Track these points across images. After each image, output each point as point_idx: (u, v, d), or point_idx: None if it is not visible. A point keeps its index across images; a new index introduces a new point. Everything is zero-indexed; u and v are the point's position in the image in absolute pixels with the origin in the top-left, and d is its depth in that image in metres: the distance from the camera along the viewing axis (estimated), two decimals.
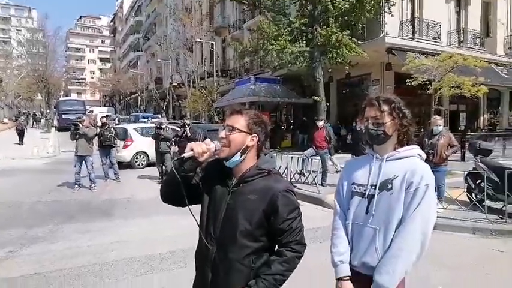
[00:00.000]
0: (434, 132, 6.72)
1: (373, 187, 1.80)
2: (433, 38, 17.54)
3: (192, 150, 1.57)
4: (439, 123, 6.71)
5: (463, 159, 12.72)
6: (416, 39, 16.71)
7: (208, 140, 1.62)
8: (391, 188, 1.75)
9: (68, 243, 5.30)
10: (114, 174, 10.49)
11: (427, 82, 12.70)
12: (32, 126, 33.35)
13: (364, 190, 1.84)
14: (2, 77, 43.24)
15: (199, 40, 30.55)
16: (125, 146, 12.85)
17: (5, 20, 77.81)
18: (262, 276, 1.59)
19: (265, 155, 1.76)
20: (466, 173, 6.91)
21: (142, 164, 13.02)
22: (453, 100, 16.90)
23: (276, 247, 1.68)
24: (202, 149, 1.57)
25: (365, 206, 1.82)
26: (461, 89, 12.54)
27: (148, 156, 12.95)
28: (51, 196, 8.48)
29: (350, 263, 1.84)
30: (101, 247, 5.13)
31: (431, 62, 12.83)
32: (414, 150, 1.84)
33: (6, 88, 44.47)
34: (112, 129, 10.51)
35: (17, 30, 66.94)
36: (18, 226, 6.03)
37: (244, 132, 1.66)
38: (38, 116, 39.11)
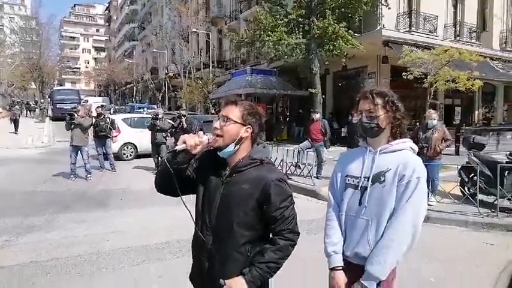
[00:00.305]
0: (428, 126, 6.77)
1: (366, 179, 1.84)
2: (430, 32, 17.56)
3: (184, 143, 1.59)
4: (433, 117, 6.76)
5: (457, 153, 12.83)
6: (412, 32, 16.73)
7: (201, 133, 1.64)
8: (384, 180, 1.79)
9: (64, 233, 5.32)
10: (110, 164, 10.48)
11: (423, 76, 12.74)
12: (26, 116, 33.08)
13: (358, 182, 1.87)
14: None
15: (195, 30, 30.33)
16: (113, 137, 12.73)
17: None
18: (256, 264, 1.62)
19: (258, 145, 1.77)
20: (459, 166, 6.98)
21: (130, 156, 12.83)
22: (448, 94, 16.98)
23: (270, 235, 1.71)
24: (195, 141, 1.58)
25: (358, 197, 1.86)
26: (456, 83, 12.59)
27: (136, 147, 12.83)
28: (47, 186, 8.48)
29: (343, 254, 1.89)
30: (97, 237, 5.16)
31: (427, 55, 12.86)
32: (406, 143, 1.88)
33: None
34: (107, 119, 10.46)
35: (10, 17, 65.88)
36: (13, 215, 6.04)
37: (239, 123, 1.68)
38: (32, 105, 38.76)
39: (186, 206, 1.70)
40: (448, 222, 5.94)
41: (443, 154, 7.15)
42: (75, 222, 5.82)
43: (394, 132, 1.87)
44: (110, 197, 7.64)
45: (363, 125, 1.86)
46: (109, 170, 10.39)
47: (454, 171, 7.31)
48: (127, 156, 12.78)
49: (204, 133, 1.64)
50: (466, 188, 6.74)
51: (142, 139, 11.90)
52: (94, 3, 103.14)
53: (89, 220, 5.97)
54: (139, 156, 12.69)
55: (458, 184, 6.83)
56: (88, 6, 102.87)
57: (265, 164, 1.72)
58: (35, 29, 54.73)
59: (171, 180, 1.62)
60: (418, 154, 5.96)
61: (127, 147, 12.86)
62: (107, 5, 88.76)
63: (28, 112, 36.55)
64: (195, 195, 1.80)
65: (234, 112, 1.69)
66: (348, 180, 1.93)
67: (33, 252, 4.56)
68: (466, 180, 6.84)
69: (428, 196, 6.61)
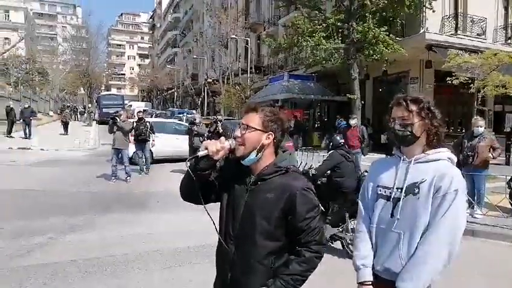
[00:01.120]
0: (475, 133, 6.42)
1: (399, 190, 1.74)
2: (478, 35, 16.66)
3: (206, 148, 1.57)
4: (479, 125, 6.39)
5: (507, 163, 12.06)
6: (458, 36, 15.95)
7: (222, 138, 1.61)
8: (418, 192, 1.68)
9: (102, 233, 5.54)
10: (146, 167, 10.75)
11: (470, 81, 12.12)
12: (75, 120, 34.95)
13: (390, 193, 1.78)
14: (49, 72, 45.64)
15: (234, 37, 30.77)
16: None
17: (52, 17, 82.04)
18: (280, 275, 1.57)
19: (284, 152, 1.73)
20: (509, 177, 6.54)
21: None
22: (498, 100, 16.02)
23: (296, 247, 1.65)
24: (216, 147, 1.56)
25: (390, 209, 1.76)
26: (506, 89, 11.86)
27: (151, 152, 11.79)
28: (90, 187, 8.87)
29: (373, 268, 1.79)
30: (133, 238, 5.32)
31: (474, 59, 12.23)
32: (444, 153, 1.75)
33: (52, 82, 46.88)
34: (147, 123, 10.78)
35: (62, 26, 70.37)
36: (58, 214, 6.37)
37: (260, 130, 1.63)
38: (79, 109, 40.92)
39: (209, 214, 1.67)
40: (495, 236, 5.58)
41: (491, 164, 6.73)
42: (114, 223, 6.04)
43: (430, 141, 1.75)
44: (148, 199, 7.86)
45: (396, 132, 1.76)
46: (146, 173, 10.67)
47: (502, 182, 6.85)
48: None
49: (226, 138, 1.62)
50: None
51: (159, 144, 11.55)
52: (139, 11, 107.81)
53: (126, 221, 6.17)
54: (157, 161, 12.12)
55: (507, 196, 6.39)
56: (134, 14, 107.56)
57: (291, 172, 1.66)
58: (85, 38, 58.02)
59: (194, 188, 1.61)
60: (464, 163, 5.63)
61: None
62: (152, 13, 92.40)
63: (76, 116, 38.62)
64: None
65: (255, 119, 1.65)
66: (380, 190, 1.83)
67: (74, 250, 4.77)
68: None
69: (474, 208, 6.28)
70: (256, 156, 1.64)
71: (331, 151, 5.37)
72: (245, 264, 1.62)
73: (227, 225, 1.70)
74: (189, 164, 1.62)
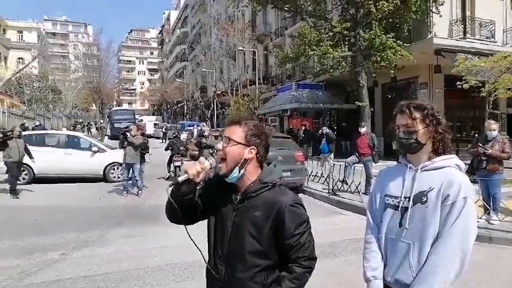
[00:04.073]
0: (488, 137, 6.30)
1: (407, 199, 1.71)
2: (487, 38, 16.52)
3: (186, 172, 1.53)
4: (493, 128, 6.29)
5: None
6: (467, 39, 15.83)
7: (202, 158, 1.58)
8: (426, 200, 1.65)
9: (115, 247, 5.56)
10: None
11: (480, 84, 11.97)
12: (88, 135, 35.42)
13: (398, 202, 1.74)
14: (61, 89, 46.58)
15: (241, 48, 31.05)
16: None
17: (64, 36, 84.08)
18: None
19: (268, 164, 1.68)
20: None
21: (24, 179, 10.85)
22: (511, 103, 15.78)
23: (286, 263, 1.61)
24: (196, 169, 1.52)
25: (398, 219, 1.73)
26: None
27: (32, 169, 10.99)
28: (102, 202, 8.95)
29: (383, 279, 1.76)
30: (145, 252, 5.33)
31: (484, 62, 12.09)
32: (451, 160, 1.72)
33: (64, 99, 47.79)
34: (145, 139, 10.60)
35: (74, 45, 71.97)
36: (70, 230, 6.42)
37: (242, 144, 1.60)
38: (89, 125, 41.42)
39: (190, 237, 1.62)
40: None
41: (506, 168, 6.58)
42: (126, 237, 6.06)
43: (436, 148, 1.72)
44: (159, 212, 7.79)
45: (400, 140, 1.73)
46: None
47: None
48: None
49: (205, 158, 1.59)
50: None
51: (40, 160, 10.30)
52: (148, 27, 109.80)
53: (138, 235, 6.19)
54: (37, 180, 10.97)
55: None
56: (143, 30, 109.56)
57: (278, 186, 1.62)
58: (96, 55, 59.20)
59: (178, 213, 1.58)
60: (477, 168, 5.52)
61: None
62: (160, 28, 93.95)
63: (90, 132, 39.17)
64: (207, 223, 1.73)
65: (237, 133, 1.61)
66: (388, 200, 1.80)
67: (86, 266, 4.79)
68: None
69: (490, 214, 6.13)
70: (239, 173, 1.60)
71: None
72: (236, 284, 1.58)
73: (216, 245, 1.67)
74: (170, 192, 1.58)
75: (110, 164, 11.91)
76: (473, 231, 1.60)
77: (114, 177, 11.84)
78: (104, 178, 11.78)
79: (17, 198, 9.05)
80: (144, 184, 10.28)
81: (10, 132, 9.29)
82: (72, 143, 12.57)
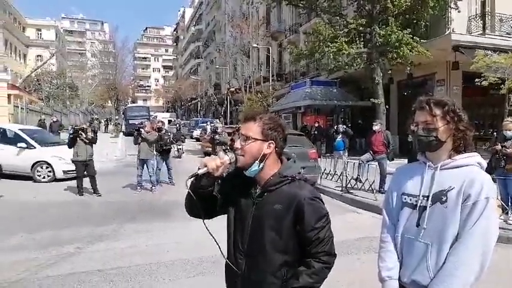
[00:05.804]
0: (506, 136, 6.13)
1: (425, 198, 1.65)
2: (507, 33, 16.06)
3: (205, 166, 1.53)
4: (509, 128, 6.12)
5: None
6: (487, 35, 15.42)
7: (221, 153, 1.58)
8: (446, 200, 1.59)
9: (128, 242, 5.61)
10: (169, 178, 10.64)
11: (500, 81, 11.66)
12: (105, 131, 35.95)
13: (416, 201, 1.69)
14: (78, 86, 47.36)
15: (255, 45, 30.99)
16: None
17: (81, 34, 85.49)
18: None
19: (288, 159, 1.67)
20: None
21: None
22: None
23: (305, 257, 1.60)
24: (216, 163, 1.52)
25: (416, 218, 1.67)
26: None
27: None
28: (117, 197, 9.05)
29: (399, 279, 1.71)
30: (158, 247, 5.36)
31: (504, 59, 11.77)
32: (473, 158, 1.65)
33: (81, 96, 48.58)
34: (169, 133, 10.81)
35: (91, 42, 73.11)
36: (86, 224, 6.52)
37: (260, 139, 1.59)
38: (109, 121, 41.96)
39: (208, 231, 1.63)
40: None
41: None
42: (139, 232, 6.12)
43: (457, 146, 1.66)
44: (173, 208, 7.90)
45: (419, 138, 1.67)
46: (167, 183, 10.58)
47: None
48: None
49: (225, 152, 1.59)
50: None
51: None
52: (163, 25, 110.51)
53: (152, 230, 6.24)
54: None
55: None
56: (158, 28, 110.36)
57: (297, 180, 1.60)
58: (112, 52, 60.05)
59: (197, 206, 1.58)
60: (496, 167, 5.36)
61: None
62: (175, 26, 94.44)
63: (106, 128, 39.72)
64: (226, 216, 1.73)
65: (254, 129, 1.60)
66: (405, 198, 1.75)
67: (100, 260, 4.84)
68: None
69: (508, 214, 5.97)
70: (259, 166, 1.59)
71: None
72: (257, 279, 1.58)
73: (236, 239, 1.66)
74: (189, 184, 1.58)
75: (37, 162, 10.76)
76: (494, 233, 1.54)
77: (40, 175, 10.77)
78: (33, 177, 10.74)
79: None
80: (173, 180, 10.36)
81: None
82: (4, 137, 11.45)
